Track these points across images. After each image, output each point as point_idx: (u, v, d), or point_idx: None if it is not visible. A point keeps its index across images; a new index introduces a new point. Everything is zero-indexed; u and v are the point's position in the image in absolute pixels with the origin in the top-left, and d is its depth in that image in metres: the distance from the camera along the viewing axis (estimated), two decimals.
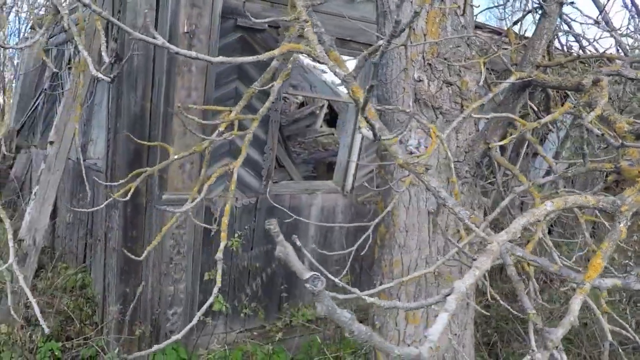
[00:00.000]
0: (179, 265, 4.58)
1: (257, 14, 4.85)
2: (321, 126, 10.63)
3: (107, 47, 4.28)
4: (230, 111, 2.08)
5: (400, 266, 2.38)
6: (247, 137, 1.93)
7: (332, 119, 11.01)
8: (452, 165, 1.79)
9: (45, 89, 8.16)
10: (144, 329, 4.48)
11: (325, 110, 10.63)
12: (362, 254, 2.44)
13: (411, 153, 2.24)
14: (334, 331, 5.25)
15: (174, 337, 1.83)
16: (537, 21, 2.63)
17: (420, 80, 2.24)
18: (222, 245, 1.87)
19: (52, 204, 5.21)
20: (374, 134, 1.41)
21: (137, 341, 4.52)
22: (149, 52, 4.39)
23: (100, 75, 1.73)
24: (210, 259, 4.90)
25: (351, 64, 5.63)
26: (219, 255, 1.82)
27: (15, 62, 15.50)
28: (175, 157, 2.32)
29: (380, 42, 2.09)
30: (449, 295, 0.88)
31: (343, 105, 10.88)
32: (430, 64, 2.23)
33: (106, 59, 1.87)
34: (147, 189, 4.46)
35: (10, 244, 2.18)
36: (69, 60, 7.11)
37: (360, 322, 1.04)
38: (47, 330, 2.30)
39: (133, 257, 2.54)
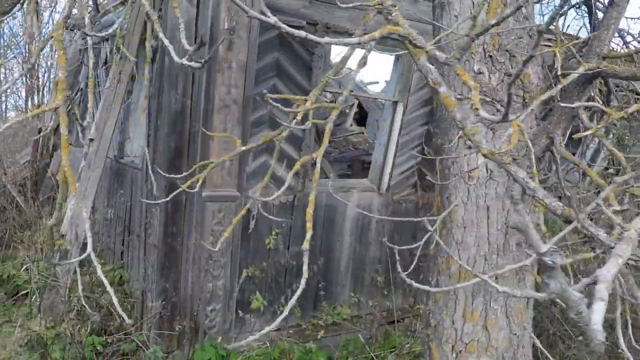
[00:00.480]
0: (218, 262, 4.59)
1: (296, 11, 4.85)
2: (351, 125, 10.58)
3: (195, 35, 4.33)
4: (305, 100, 2.04)
5: (457, 263, 2.32)
6: (328, 126, 1.89)
7: (361, 118, 10.95)
8: (532, 157, 1.73)
9: (81, 88, 8.30)
10: (184, 325, 4.51)
11: (355, 109, 10.58)
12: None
13: (470, 147, 2.19)
14: (376, 330, 5.20)
15: (258, 334, 1.80)
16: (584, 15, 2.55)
17: (480, 73, 2.19)
18: (308, 235, 1.83)
19: (92, 200, 5.29)
20: (457, 125, 1.36)
21: (176, 337, 4.55)
22: (188, 50, 4.41)
23: (186, 62, 1.73)
24: (248, 256, 4.90)
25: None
26: (305, 246, 1.78)
27: (49, 62, 15.84)
28: (243, 147, 2.30)
29: (444, 33, 2.05)
30: (593, 283, 0.84)
31: (373, 104, 10.83)
32: (491, 56, 2.18)
33: (187, 46, 1.87)
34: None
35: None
36: (106, 59, 7.22)
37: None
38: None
39: (212, 248, 2.53)
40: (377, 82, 13.53)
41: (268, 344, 4.88)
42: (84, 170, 5.19)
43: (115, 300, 2.19)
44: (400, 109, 5.53)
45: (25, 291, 5.40)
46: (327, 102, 11.23)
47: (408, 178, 5.84)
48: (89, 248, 2.02)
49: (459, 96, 1.56)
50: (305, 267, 1.68)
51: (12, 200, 7.44)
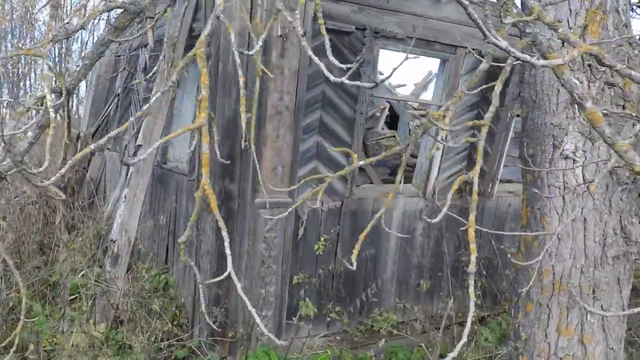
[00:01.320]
0: (270, 268, 4.60)
1: (345, 16, 4.84)
2: (382, 128, 10.54)
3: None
4: (444, 116, 2.01)
5: (550, 275, 2.28)
6: (480, 144, 1.85)
7: (392, 122, 10.91)
8: None
9: (119, 94, 8.39)
10: (237, 331, 4.51)
11: (386, 112, 10.54)
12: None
13: (567, 157, 2.15)
14: (421, 337, 5.16)
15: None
16: None
17: (580, 82, 2.15)
18: (472, 257, 1.76)
19: (141, 206, 5.33)
20: (604, 140, 1.33)
21: (229, 343, 4.56)
22: (242, 57, 4.42)
23: (347, 81, 1.71)
24: (297, 263, 4.90)
25: (434, 64, 5.53)
26: (472, 263, 1.71)
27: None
28: (361, 162, 2.28)
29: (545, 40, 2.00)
30: None
31: (404, 107, 10.78)
32: (590, 65, 2.14)
33: (303, 42, 1.85)
34: (239, 193, 4.49)
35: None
36: (145, 65, 7.28)
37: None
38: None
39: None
40: (405, 85, 13.49)
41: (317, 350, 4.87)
42: (133, 175, 5.23)
43: None
44: (447, 114, 5.47)
45: (73, 296, 5.46)
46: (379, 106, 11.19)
47: (453, 183, 5.78)
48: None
49: (604, 111, 1.53)
50: (471, 266, 1.60)
51: (55, 204, 7.53)
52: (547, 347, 2.27)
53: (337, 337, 5.23)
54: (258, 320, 1.69)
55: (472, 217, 1.76)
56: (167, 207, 6.01)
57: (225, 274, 1.71)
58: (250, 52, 2.70)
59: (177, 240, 5.80)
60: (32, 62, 17.33)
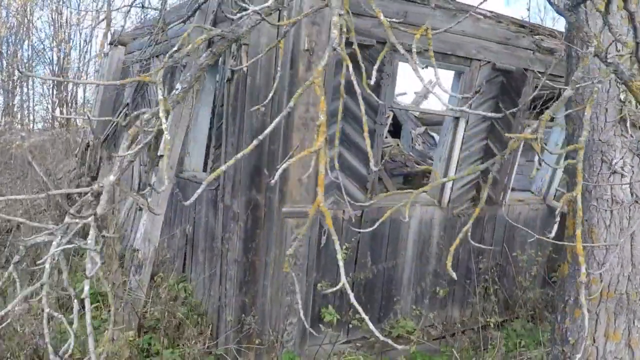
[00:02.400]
0: (297, 276, 4.69)
1: (367, 30, 4.97)
2: (386, 137, 10.68)
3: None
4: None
5: (598, 283, 2.41)
6: (579, 166, 1.92)
7: (395, 130, 11.06)
8: None
9: (128, 103, 8.44)
10: (263, 338, 4.59)
11: (389, 121, 10.69)
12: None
13: (615, 172, 2.28)
14: (437, 343, 5.27)
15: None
16: None
17: (628, 102, 2.29)
18: None
19: (163, 216, 5.40)
20: None
21: (255, 350, 4.63)
22: (270, 70, 4.54)
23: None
24: (320, 271, 4.99)
25: (448, 76, 5.67)
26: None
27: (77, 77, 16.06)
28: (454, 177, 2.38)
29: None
30: None
31: (406, 116, 10.95)
32: None
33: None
34: (265, 203, 4.58)
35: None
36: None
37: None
38: None
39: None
40: (405, 94, 13.69)
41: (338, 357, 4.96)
42: (156, 185, 5.30)
43: None
44: (462, 124, 5.63)
45: (95, 304, 5.49)
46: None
47: (467, 192, 5.93)
48: None
49: None
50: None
51: (64, 213, 7.55)
52: (595, 351, 2.40)
53: (357, 344, 5.33)
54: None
55: (578, 232, 1.84)
56: (184, 216, 6.08)
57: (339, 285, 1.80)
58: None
59: (195, 249, 5.87)
60: (29, 70, 17.26)
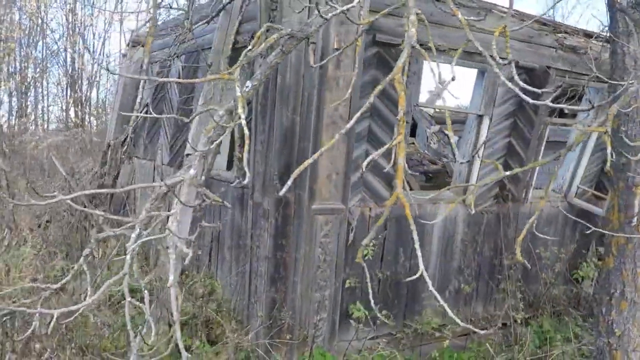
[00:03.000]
0: (325, 272, 4.75)
1: (392, 29, 5.02)
2: None
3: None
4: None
5: None
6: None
7: (410, 129, 11.09)
8: None
9: (148, 104, 8.52)
10: (294, 334, 4.65)
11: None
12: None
13: None
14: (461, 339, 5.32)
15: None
16: None
17: None
18: None
19: (191, 215, 5.46)
20: None
21: (286, 346, 4.69)
22: (299, 69, 4.60)
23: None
24: (348, 267, 5.05)
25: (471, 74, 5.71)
26: None
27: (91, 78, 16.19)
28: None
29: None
30: None
31: (420, 114, 10.98)
32: None
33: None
34: (295, 200, 4.64)
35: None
36: (179, 75, 7.43)
37: None
38: None
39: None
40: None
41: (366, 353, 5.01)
42: (184, 184, 5.36)
43: None
44: (486, 122, 5.67)
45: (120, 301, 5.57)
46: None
47: (490, 190, 5.97)
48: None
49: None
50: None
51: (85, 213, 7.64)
52: None
53: (384, 340, 5.38)
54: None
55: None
56: (210, 214, 6.15)
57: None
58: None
59: (221, 247, 5.94)
60: (43, 71, 17.43)
